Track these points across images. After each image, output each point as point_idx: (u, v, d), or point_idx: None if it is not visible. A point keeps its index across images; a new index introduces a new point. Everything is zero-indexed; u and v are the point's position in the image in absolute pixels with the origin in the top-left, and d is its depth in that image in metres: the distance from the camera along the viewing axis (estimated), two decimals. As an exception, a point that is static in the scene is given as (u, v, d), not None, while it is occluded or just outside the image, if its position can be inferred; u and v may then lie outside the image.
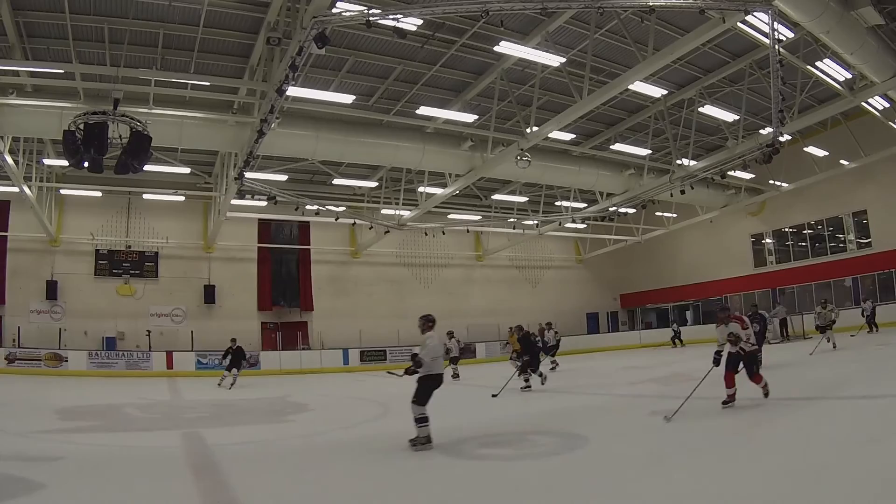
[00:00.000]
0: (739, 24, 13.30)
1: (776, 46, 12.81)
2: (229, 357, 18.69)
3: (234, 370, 18.45)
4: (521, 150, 18.86)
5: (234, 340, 18.92)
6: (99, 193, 24.81)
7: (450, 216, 30.34)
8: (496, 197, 30.02)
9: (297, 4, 12.41)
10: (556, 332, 21.45)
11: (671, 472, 5.93)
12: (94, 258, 26.19)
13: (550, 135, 19.55)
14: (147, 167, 15.04)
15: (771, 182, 26.87)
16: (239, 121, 17.01)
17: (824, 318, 18.61)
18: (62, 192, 24.81)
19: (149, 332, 25.55)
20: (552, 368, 19.62)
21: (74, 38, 14.82)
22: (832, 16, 13.01)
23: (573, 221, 31.11)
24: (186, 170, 22.92)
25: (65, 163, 17.48)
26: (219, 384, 18.52)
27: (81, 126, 12.18)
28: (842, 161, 23.91)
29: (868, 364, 13.29)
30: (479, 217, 31.01)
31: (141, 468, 7.16)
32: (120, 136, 12.61)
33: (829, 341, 17.90)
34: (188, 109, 16.77)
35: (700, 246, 34.55)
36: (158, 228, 27.15)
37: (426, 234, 27.79)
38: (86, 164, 12.58)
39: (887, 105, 19.03)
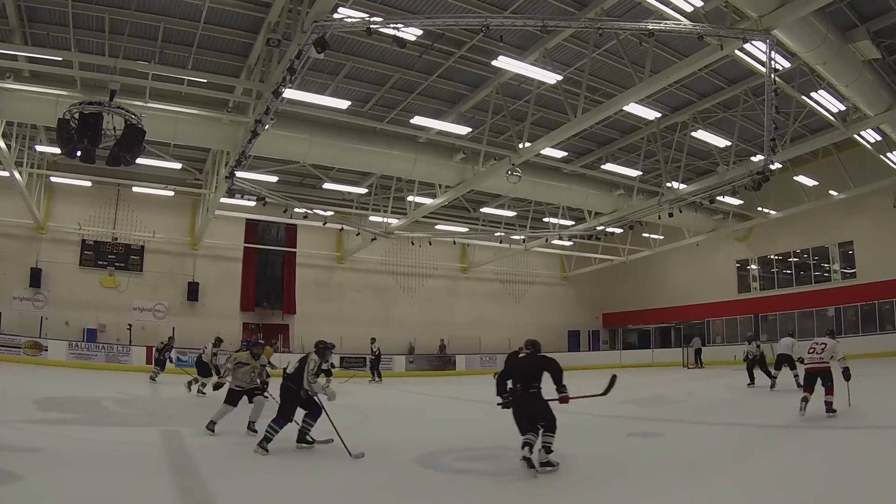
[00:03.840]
0: (737, 52, 13.44)
1: (772, 75, 12.94)
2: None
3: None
4: (513, 164, 18.93)
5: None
6: (89, 183, 24.61)
7: (437, 227, 30.35)
8: (485, 210, 30.11)
9: (298, 7, 12.40)
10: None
11: (647, 494, 5.95)
12: (80, 248, 25.98)
13: (542, 151, 19.67)
14: (138, 160, 14.95)
15: (759, 209, 27.10)
16: (233, 120, 16.97)
17: None
18: (52, 179, 24.59)
19: (130, 325, 25.31)
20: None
21: (75, 25, 14.81)
22: (830, 48, 13.22)
23: (560, 238, 31.22)
24: (178, 165, 22.75)
25: (57, 150, 17.38)
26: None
27: (76, 115, 12.11)
28: (831, 192, 24.13)
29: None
30: (467, 229, 31.07)
31: (120, 464, 7.11)
32: (114, 127, 12.56)
33: None
34: (184, 105, 16.69)
35: (685, 269, 34.68)
36: (146, 222, 26.99)
37: (413, 244, 27.75)
38: (78, 154, 12.51)
39: (879, 138, 19.25)
